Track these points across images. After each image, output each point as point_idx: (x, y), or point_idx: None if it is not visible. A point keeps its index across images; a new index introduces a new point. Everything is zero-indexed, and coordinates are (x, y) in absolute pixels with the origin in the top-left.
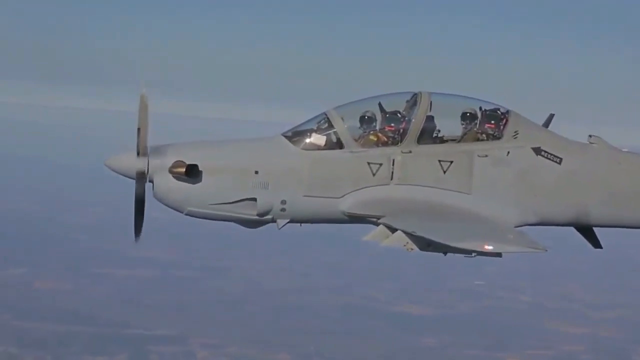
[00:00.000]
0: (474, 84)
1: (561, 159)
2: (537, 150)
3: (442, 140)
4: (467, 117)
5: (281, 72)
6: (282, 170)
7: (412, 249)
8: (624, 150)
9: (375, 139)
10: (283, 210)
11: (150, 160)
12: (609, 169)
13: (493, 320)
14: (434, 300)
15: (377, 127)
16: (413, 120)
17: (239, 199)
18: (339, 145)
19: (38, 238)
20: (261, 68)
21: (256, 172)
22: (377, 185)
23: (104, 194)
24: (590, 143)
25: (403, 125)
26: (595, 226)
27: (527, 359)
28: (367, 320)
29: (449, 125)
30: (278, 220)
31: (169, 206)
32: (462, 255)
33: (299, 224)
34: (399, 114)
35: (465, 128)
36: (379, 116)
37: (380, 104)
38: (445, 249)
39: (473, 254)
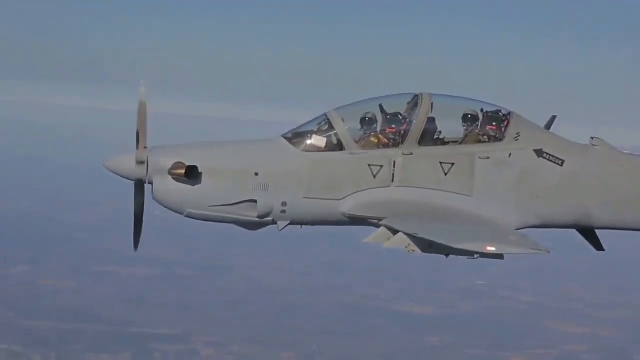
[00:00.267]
0: (474, 84)
1: (563, 161)
2: (539, 152)
3: (443, 142)
4: (469, 119)
5: (281, 71)
6: (283, 172)
7: (413, 251)
8: (626, 152)
9: (376, 141)
10: (283, 212)
11: (150, 161)
12: (611, 171)
13: (494, 320)
14: (436, 300)
15: (378, 129)
16: (414, 121)
17: (239, 201)
18: (339, 147)
19: (40, 237)
20: (261, 68)
21: (256, 174)
22: (378, 188)
23: (105, 193)
24: (593, 145)
25: (404, 126)
26: (598, 228)
27: (528, 358)
28: (369, 319)
29: (451, 126)
30: (278, 222)
31: (168, 208)
32: (464, 257)
33: (299, 226)
34: (400, 116)
35: (466, 130)
36: (379, 118)
37: (381, 106)
38: (447, 251)
39: (475, 256)
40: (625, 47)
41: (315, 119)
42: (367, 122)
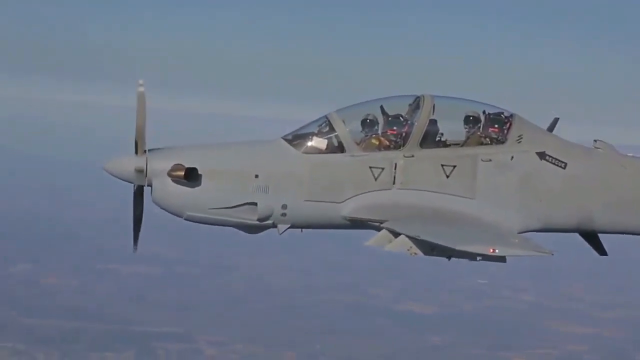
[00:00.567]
0: (474, 85)
1: (566, 164)
2: (542, 155)
3: (445, 144)
4: (471, 121)
5: (280, 71)
6: (283, 174)
7: (415, 254)
8: (629, 154)
9: (377, 143)
10: (284, 215)
11: (149, 162)
12: (613, 174)
13: (495, 320)
14: (438, 299)
15: (379, 131)
16: (416, 123)
17: (239, 204)
18: (340, 149)
19: (42, 236)
20: (261, 67)
21: (256, 176)
22: (379, 190)
23: (107, 191)
24: (595, 147)
25: (405, 128)
26: (600, 232)
27: (531, 358)
28: (370, 319)
29: (452, 129)
30: (279, 226)
31: (167, 211)
32: (466, 260)
33: (299, 230)
34: (401, 118)
35: (468, 132)
36: (381, 119)
37: (382, 107)
38: (449, 253)
39: (478, 258)
40: (626, 46)
41: (316, 120)
42: (368, 123)
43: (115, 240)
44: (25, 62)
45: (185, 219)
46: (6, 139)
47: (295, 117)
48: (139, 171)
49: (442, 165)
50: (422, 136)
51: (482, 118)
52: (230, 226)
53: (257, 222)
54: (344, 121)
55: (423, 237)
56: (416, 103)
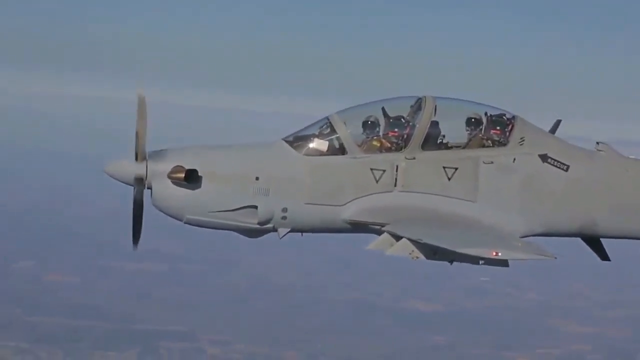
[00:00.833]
0: (474, 85)
1: (568, 166)
2: (544, 157)
3: (446, 146)
4: (472, 123)
5: (280, 69)
6: (283, 177)
7: (417, 257)
8: (631, 157)
9: (379, 145)
10: (284, 218)
11: (149, 165)
12: (616, 177)
13: (498, 319)
14: (440, 298)
15: (381, 133)
16: (417, 125)
17: (239, 206)
18: (341, 150)
19: (45, 232)
20: (262, 62)
21: (257, 179)
22: (380, 192)
23: (110, 187)
24: (598, 150)
25: (407, 130)
26: (603, 237)
27: (533, 357)
28: (372, 317)
29: (454, 130)
30: (279, 229)
31: (167, 213)
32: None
33: (300, 234)
34: (402, 119)
35: (470, 134)
36: (382, 121)
37: (383, 109)
38: (451, 257)
39: (480, 262)
40: (626, 46)
41: (317, 122)
42: (369, 125)
43: (118, 238)
44: (24, 55)
45: (185, 223)
46: (7, 134)
47: (295, 111)
48: (139, 179)
49: (444, 168)
50: (423, 138)
51: (484, 120)
52: (230, 230)
53: (258, 226)
54: (345, 123)
55: (425, 240)
56: (418, 104)
